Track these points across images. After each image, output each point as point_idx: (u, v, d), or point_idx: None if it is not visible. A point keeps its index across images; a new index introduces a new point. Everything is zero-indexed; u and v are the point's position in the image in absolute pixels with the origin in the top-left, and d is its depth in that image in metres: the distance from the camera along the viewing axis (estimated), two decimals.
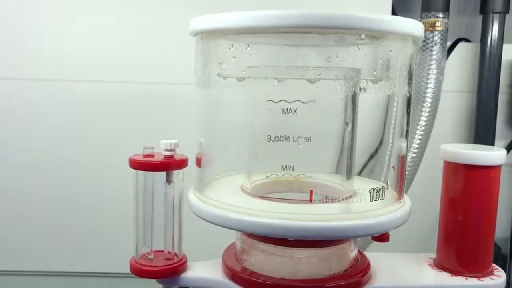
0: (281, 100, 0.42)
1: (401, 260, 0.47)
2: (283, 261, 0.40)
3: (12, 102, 0.74)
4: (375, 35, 0.36)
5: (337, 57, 0.37)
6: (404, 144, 0.44)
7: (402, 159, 0.44)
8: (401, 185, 0.41)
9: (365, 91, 0.39)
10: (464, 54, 0.78)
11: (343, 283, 0.40)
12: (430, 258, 0.48)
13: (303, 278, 0.40)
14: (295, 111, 0.43)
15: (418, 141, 0.71)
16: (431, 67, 0.71)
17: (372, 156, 0.54)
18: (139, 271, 0.42)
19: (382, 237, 0.41)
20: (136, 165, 0.41)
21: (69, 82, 0.74)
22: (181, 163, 0.42)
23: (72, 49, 0.73)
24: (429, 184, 0.68)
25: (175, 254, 0.44)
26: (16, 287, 0.79)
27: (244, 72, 0.40)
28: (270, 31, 0.35)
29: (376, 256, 0.45)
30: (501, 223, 0.78)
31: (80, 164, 0.76)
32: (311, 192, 0.37)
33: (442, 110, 0.74)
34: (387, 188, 0.39)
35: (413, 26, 0.37)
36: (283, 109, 0.43)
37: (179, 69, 0.70)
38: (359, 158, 0.48)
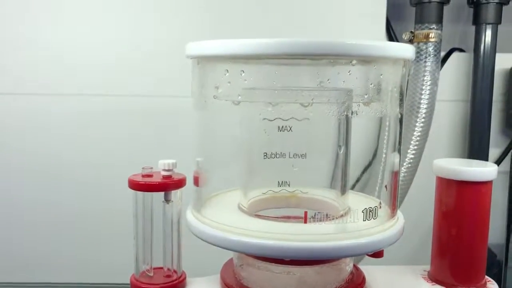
0: (276, 118, 0.43)
1: (396, 273, 0.48)
2: (280, 278, 0.41)
3: (13, 116, 0.75)
4: (367, 60, 0.37)
5: (329, 82, 0.38)
6: (397, 160, 0.45)
7: (395, 174, 0.45)
8: (394, 202, 0.42)
9: (356, 114, 0.40)
10: (458, 63, 0.79)
11: None
12: (425, 271, 0.49)
13: None
14: (290, 128, 0.44)
15: (413, 151, 0.72)
16: (425, 78, 0.72)
17: (365, 171, 0.55)
18: None
19: (376, 254, 0.42)
20: (135, 186, 0.42)
21: (68, 96, 0.75)
22: (179, 183, 0.43)
23: (70, 63, 0.74)
24: (425, 194, 0.70)
25: (175, 271, 0.45)
26: None
27: (240, 96, 0.41)
28: (263, 58, 0.36)
29: (371, 269, 0.46)
30: (496, 230, 0.79)
31: (80, 176, 0.77)
32: (305, 213, 0.38)
33: (436, 119, 0.75)
34: (380, 207, 0.40)
35: (403, 50, 0.38)
36: (279, 127, 0.44)
37: (178, 82, 0.71)
38: (354, 173, 0.49)
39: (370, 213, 0.38)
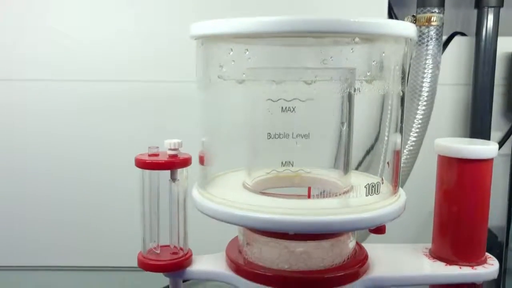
0: (280, 99, 0.44)
1: (398, 250, 0.49)
2: (284, 254, 0.42)
3: (12, 103, 0.76)
4: (369, 38, 0.38)
5: (332, 59, 0.38)
6: (399, 140, 0.46)
7: (397, 154, 0.45)
8: (396, 180, 0.43)
9: (359, 91, 0.40)
10: (460, 47, 0.79)
11: (342, 273, 0.41)
12: (426, 248, 0.49)
13: (304, 269, 0.41)
14: (293, 109, 0.45)
15: (415, 135, 0.73)
16: (427, 61, 0.73)
17: (368, 152, 0.56)
18: (146, 266, 0.44)
19: (379, 230, 0.43)
20: (142, 164, 0.43)
21: (68, 82, 0.76)
22: (185, 162, 0.44)
23: (70, 48, 0.75)
24: (426, 176, 0.70)
25: (181, 249, 0.46)
26: (26, 283, 0.81)
27: (244, 75, 0.41)
28: (266, 36, 0.37)
29: (373, 247, 0.47)
30: (497, 212, 0.80)
31: (83, 163, 0.78)
32: (309, 188, 0.39)
33: (438, 103, 0.75)
34: (382, 183, 0.41)
35: (406, 28, 0.38)
36: (282, 108, 0.44)
37: (180, 67, 0.72)
38: (356, 153, 0.50)
39: (373, 188, 0.39)
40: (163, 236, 0.47)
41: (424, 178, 0.70)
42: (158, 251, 0.46)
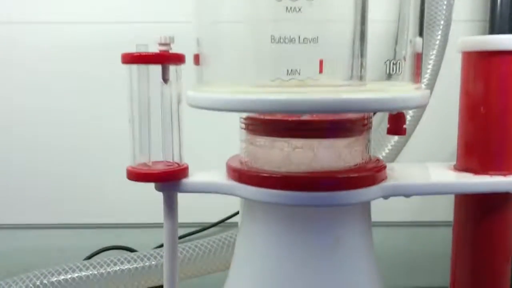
0: None
1: (418, 166, 0.44)
2: (292, 156, 0.37)
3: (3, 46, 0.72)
4: None
5: None
6: (419, 40, 0.40)
7: (418, 56, 0.40)
8: (418, 72, 0.38)
9: None
10: None
11: (356, 175, 0.36)
12: (450, 164, 0.44)
13: (314, 170, 0.36)
14: (299, 9, 0.40)
15: (428, 71, 0.68)
16: None
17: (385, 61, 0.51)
18: (136, 175, 0.39)
19: (398, 128, 0.38)
20: (129, 58, 0.38)
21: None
22: (178, 57, 0.39)
23: None
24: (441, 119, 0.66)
25: (176, 163, 0.41)
26: (19, 240, 0.77)
27: None
28: None
29: (390, 165, 0.42)
30: None
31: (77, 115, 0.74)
32: (321, 62, 0.34)
33: (453, 41, 0.70)
34: (404, 62, 0.35)
35: None
36: (287, 8, 0.40)
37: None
38: (372, 64, 0.45)
39: (394, 66, 0.34)
40: (156, 152, 0.42)
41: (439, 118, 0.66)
42: (150, 164, 0.41)
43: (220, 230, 0.76)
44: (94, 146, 0.73)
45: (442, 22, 0.67)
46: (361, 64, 0.35)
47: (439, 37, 0.66)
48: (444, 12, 0.67)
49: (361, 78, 0.35)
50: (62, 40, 0.72)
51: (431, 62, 0.65)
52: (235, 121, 0.42)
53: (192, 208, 0.71)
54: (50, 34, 0.71)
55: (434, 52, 0.66)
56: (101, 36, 0.70)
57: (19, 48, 0.72)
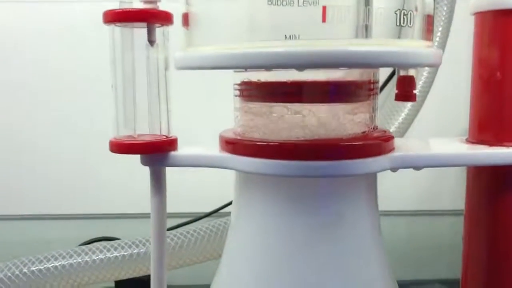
0: None
1: (427, 140, 0.41)
2: (291, 121, 0.33)
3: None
4: None
5: None
6: (430, 2, 0.37)
7: (429, 18, 0.37)
8: (430, 28, 0.34)
9: None
10: None
11: (361, 143, 0.33)
12: (462, 138, 0.41)
13: (315, 138, 0.33)
14: None
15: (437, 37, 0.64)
16: None
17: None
18: (120, 146, 0.35)
19: (408, 94, 0.35)
20: (110, 16, 0.34)
21: None
22: (165, 16, 0.35)
23: None
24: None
25: (164, 135, 0.38)
26: (3, 233, 0.73)
27: None
28: None
29: (398, 139, 0.39)
30: None
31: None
32: (324, 8, 0.30)
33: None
34: (416, 13, 0.32)
35: None
36: None
37: None
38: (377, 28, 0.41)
39: (405, 17, 0.30)
40: (141, 123, 0.38)
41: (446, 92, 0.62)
42: (136, 136, 0.37)
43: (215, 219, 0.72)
44: (79, 133, 0.70)
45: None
46: (368, 14, 0.31)
47: (445, 7, 0.62)
48: None
49: (368, 31, 0.32)
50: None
51: (439, 29, 0.62)
52: (229, 92, 0.39)
53: (185, 197, 0.68)
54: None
55: (441, 23, 0.62)
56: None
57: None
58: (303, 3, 0.37)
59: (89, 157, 0.71)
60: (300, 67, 0.29)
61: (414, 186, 0.75)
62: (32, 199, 0.73)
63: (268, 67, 0.31)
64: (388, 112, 0.64)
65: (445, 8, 0.61)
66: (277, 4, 0.37)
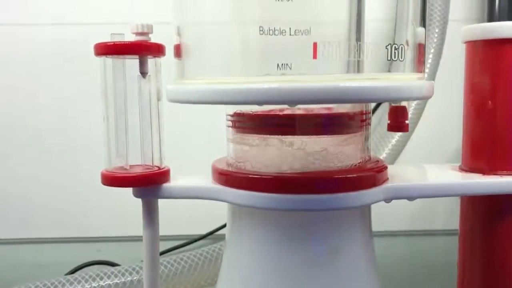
0: None
1: (420, 167, 0.41)
2: (285, 153, 0.33)
3: None
4: None
5: None
6: (421, 31, 0.37)
7: (420, 47, 0.37)
8: (421, 59, 0.34)
9: None
10: None
11: (355, 175, 0.33)
12: (455, 165, 0.41)
13: (308, 171, 0.33)
14: None
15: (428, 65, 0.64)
16: None
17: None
18: (112, 179, 0.35)
19: (400, 124, 0.34)
20: (102, 48, 0.34)
21: None
22: (157, 48, 0.35)
23: None
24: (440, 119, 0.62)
25: (156, 166, 0.38)
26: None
27: None
28: None
29: (391, 167, 0.39)
30: None
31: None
32: (314, 45, 0.30)
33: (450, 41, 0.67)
34: (407, 48, 0.32)
35: None
36: None
37: None
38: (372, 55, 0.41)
39: (396, 51, 0.31)
40: (133, 154, 0.38)
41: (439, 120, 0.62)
42: (128, 168, 0.37)
43: (210, 242, 0.71)
44: (73, 156, 0.69)
45: (438, 19, 0.63)
46: (359, 49, 0.31)
47: (436, 35, 0.63)
48: (439, 8, 0.64)
49: (359, 66, 0.32)
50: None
51: (430, 56, 0.62)
52: (221, 121, 0.39)
53: (179, 219, 0.67)
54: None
55: (432, 50, 0.62)
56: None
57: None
58: (295, 32, 0.38)
59: (80, 180, 0.71)
60: (292, 103, 0.29)
61: (408, 206, 0.75)
62: (25, 222, 0.72)
63: (260, 103, 0.31)
64: (379, 138, 0.64)
65: (436, 35, 0.62)
66: (269, 34, 0.37)
